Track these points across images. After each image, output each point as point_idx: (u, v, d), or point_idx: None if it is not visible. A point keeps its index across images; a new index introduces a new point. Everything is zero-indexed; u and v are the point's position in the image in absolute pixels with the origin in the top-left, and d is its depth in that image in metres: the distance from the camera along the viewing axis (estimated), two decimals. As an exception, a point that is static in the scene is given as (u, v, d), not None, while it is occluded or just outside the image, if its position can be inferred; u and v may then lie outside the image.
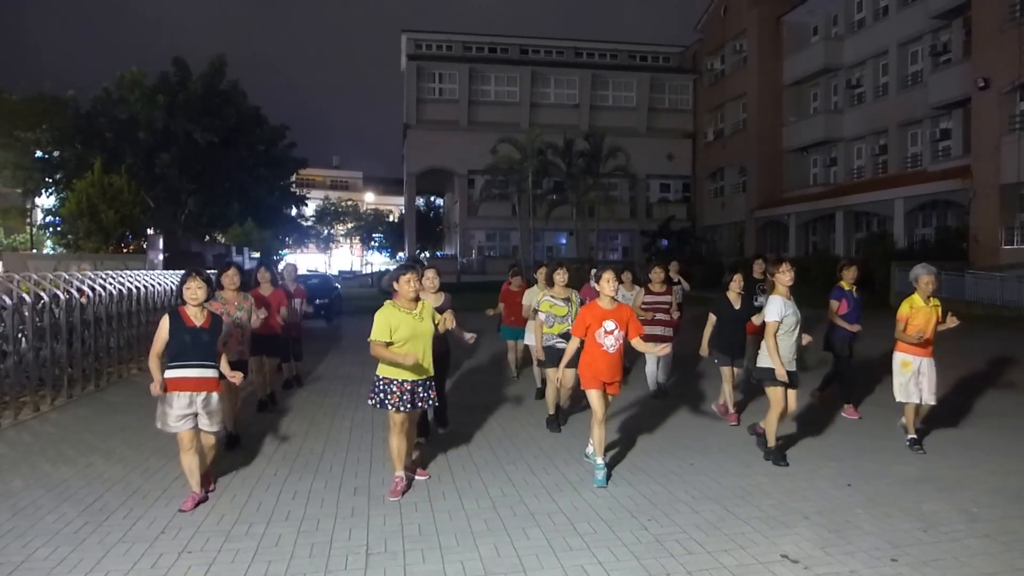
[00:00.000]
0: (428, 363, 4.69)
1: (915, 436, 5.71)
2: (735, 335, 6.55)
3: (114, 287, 9.39)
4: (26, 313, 7.30)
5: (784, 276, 5.31)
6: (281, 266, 10.38)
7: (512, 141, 32.16)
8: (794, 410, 5.44)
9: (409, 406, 4.61)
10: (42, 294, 7.66)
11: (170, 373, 4.38)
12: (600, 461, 4.90)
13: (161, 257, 17.97)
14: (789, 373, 5.20)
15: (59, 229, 29.76)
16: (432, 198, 57.85)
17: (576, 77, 39.60)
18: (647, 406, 7.35)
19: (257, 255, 31.60)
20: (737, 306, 6.56)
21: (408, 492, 4.73)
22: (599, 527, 4.10)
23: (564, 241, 38.51)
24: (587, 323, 4.91)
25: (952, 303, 5.81)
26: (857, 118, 29.09)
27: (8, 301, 7.09)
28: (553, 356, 6.27)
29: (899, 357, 5.77)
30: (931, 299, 5.72)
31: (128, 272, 10.66)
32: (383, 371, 4.64)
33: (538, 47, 41.18)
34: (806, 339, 5.46)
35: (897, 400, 5.76)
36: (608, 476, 4.91)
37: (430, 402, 4.78)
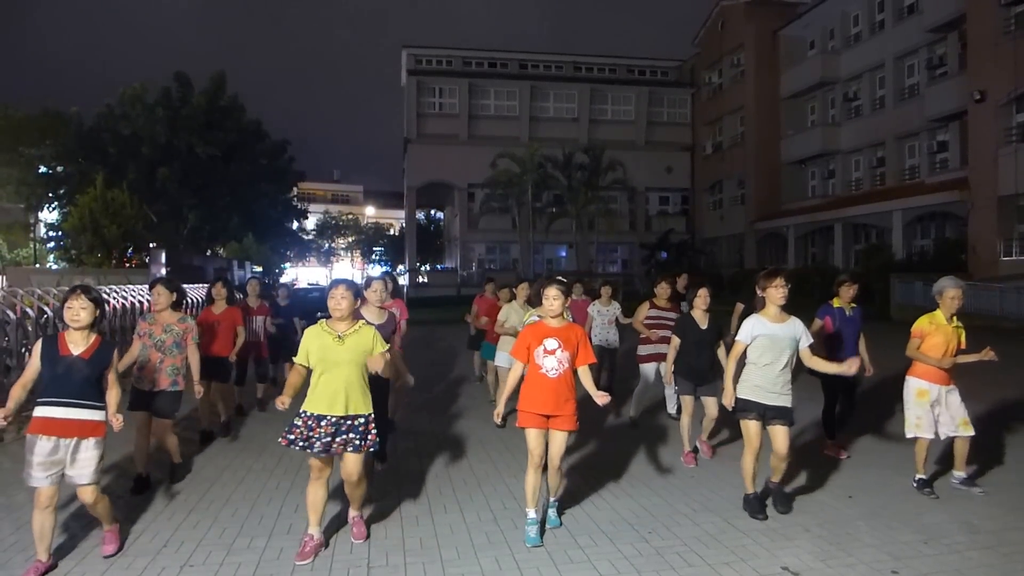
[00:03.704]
0: (353, 399, 3.86)
1: (925, 477, 4.88)
2: (699, 359, 5.64)
3: (116, 301, 9.44)
4: (30, 328, 7.35)
5: (775, 293, 4.46)
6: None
7: (512, 155, 32.34)
8: (783, 452, 4.44)
9: (322, 450, 3.78)
10: (45, 309, 7.70)
11: (36, 411, 3.66)
12: (532, 514, 4.08)
13: (163, 271, 18.09)
14: (777, 408, 4.43)
15: (62, 244, 29.93)
16: (432, 211, 58.03)
17: (575, 91, 39.81)
18: (647, 418, 7.35)
19: (259, 269, 31.69)
20: (703, 325, 5.67)
21: (409, 505, 4.70)
22: (600, 540, 4.11)
23: (564, 254, 38.59)
24: (527, 342, 4.17)
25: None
26: (854, 131, 29.27)
27: (12, 316, 7.14)
28: None
29: (913, 384, 4.85)
30: (954, 318, 4.86)
31: (131, 286, 10.72)
32: (305, 402, 3.93)
33: (537, 62, 41.46)
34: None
35: (907, 435, 4.89)
36: (557, 517, 4.32)
37: (355, 444, 3.84)
